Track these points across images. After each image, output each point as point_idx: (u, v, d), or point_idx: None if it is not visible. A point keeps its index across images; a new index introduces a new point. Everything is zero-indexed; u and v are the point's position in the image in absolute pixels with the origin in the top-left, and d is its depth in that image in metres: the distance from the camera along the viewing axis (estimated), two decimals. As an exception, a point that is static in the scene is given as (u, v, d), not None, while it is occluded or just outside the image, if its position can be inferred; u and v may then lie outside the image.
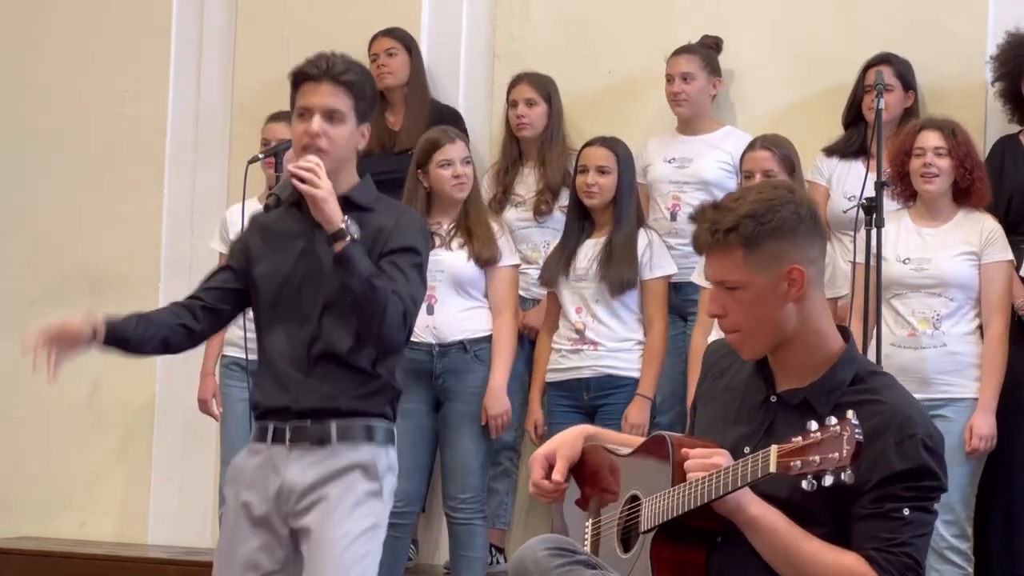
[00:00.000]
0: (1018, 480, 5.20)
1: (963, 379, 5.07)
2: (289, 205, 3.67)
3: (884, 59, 5.57)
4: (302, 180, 3.51)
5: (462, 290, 5.36)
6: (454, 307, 5.34)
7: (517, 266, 5.53)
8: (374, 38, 6.15)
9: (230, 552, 3.69)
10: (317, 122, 3.60)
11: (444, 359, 5.34)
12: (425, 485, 5.47)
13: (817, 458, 2.65)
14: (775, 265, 2.90)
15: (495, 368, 5.35)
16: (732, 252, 2.91)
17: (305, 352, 3.62)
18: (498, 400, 5.34)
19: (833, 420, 2.66)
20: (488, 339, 5.37)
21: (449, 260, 5.30)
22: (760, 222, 2.89)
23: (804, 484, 2.66)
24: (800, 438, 2.68)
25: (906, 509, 2.80)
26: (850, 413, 2.66)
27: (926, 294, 5.10)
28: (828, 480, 2.64)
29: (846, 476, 2.64)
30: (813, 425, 2.68)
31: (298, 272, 3.64)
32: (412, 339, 5.25)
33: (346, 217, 3.52)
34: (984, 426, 5.02)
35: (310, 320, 3.62)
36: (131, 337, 3.76)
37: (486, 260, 5.34)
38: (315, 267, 3.63)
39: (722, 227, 2.90)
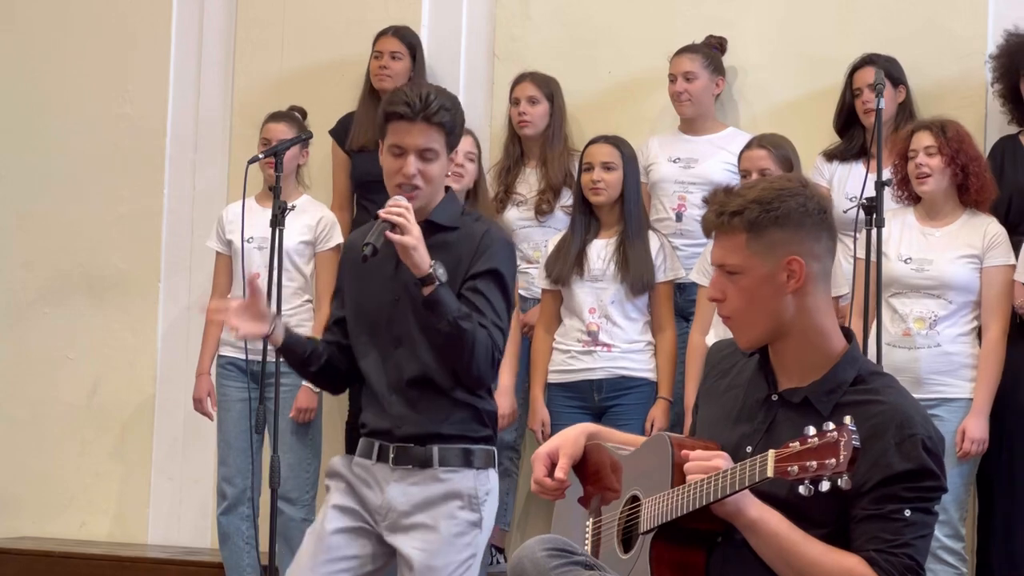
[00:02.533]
0: (1018, 481, 5.19)
1: (957, 379, 5.06)
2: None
3: (869, 60, 5.57)
4: (393, 225, 3.54)
5: None
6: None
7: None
8: (382, 34, 6.12)
9: (322, 526, 3.72)
10: (412, 164, 3.63)
11: None
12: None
13: (814, 463, 2.64)
14: (775, 253, 2.91)
15: (504, 368, 5.34)
16: (735, 235, 2.93)
17: (400, 376, 3.67)
18: (510, 401, 5.39)
19: (831, 425, 2.65)
20: None
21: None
22: (765, 209, 2.91)
23: (801, 489, 2.65)
24: (797, 443, 2.68)
25: (907, 510, 2.80)
26: (847, 419, 2.66)
27: (925, 295, 5.09)
28: (825, 486, 2.64)
29: (843, 482, 2.63)
30: (811, 430, 2.68)
31: (388, 295, 3.68)
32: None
33: (433, 262, 3.55)
34: (976, 429, 5.01)
35: (403, 344, 3.67)
36: (302, 351, 3.78)
37: None
38: (406, 291, 3.66)
39: (728, 209, 2.93)
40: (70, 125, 6.74)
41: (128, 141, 6.69)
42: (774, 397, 2.99)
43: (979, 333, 5.12)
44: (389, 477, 3.68)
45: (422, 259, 3.55)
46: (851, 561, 2.81)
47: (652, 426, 5.31)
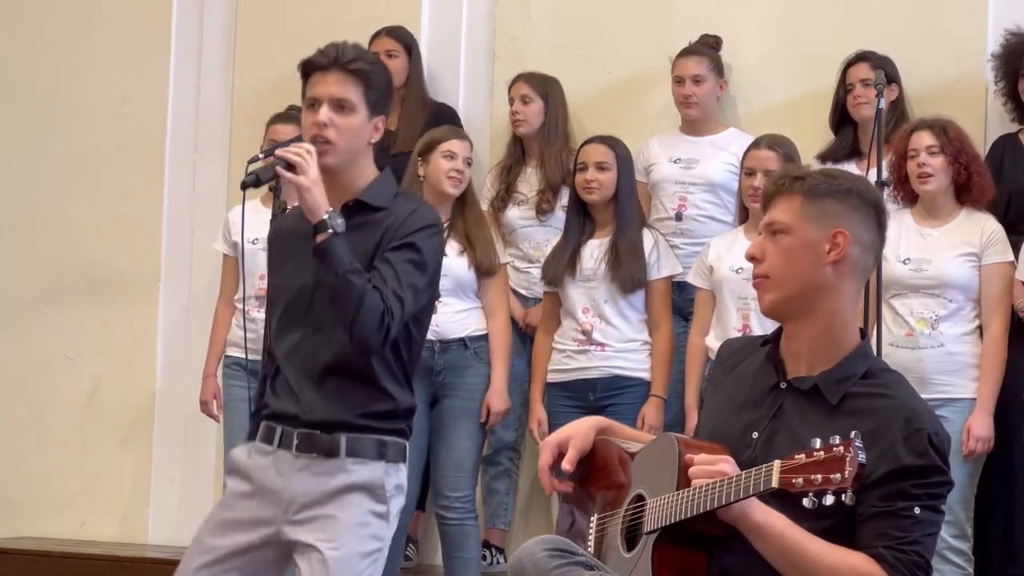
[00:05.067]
0: (1018, 480, 5.19)
1: (961, 379, 5.07)
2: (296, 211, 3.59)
3: (863, 57, 5.57)
4: (290, 165, 3.40)
5: (462, 293, 5.39)
6: (452, 308, 5.35)
7: (506, 264, 5.56)
8: (375, 36, 6.14)
9: (218, 514, 3.60)
10: (324, 112, 3.48)
11: (445, 355, 5.35)
12: (420, 484, 5.46)
13: (819, 477, 2.64)
14: (826, 222, 2.95)
15: (496, 367, 5.37)
16: (792, 197, 2.98)
17: (315, 362, 3.51)
18: (503, 399, 5.37)
19: (837, 440, 2.65)
20: (484, 338, 5.39)
21: (452, 265, 5.31)
22: (828, 180, 2.99)
23: (805, 502, 2.66)
24: (803, 455, 2.67)
25: (916, 507, 2.80)
26: (853, 433, 2.66)
27: (925, 295, 5.10)
28: (829, 500, 2.64)
29: (847, 498, 2.64)
30: (816, 443, 2.67)
31: (310, 279, 3.51)
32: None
33: (331, 210, 3.41)
34: (981, 428, 5.02)
35: (322, 329, 3.50)
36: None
37: (486, 270, 5.37)
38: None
39: (792, 174, 3.02)
40: (70, 125, 6.74)
41: (128, 141, 6.69)
42: (782, 385, 3.00)
43: (982, 332, 5.12)
44: (292, 466, 3.50)
45: (316, 203, 3.39)
46: (857, 559, 2.81)
47: (643, 423, 5.30)
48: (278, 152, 3.43)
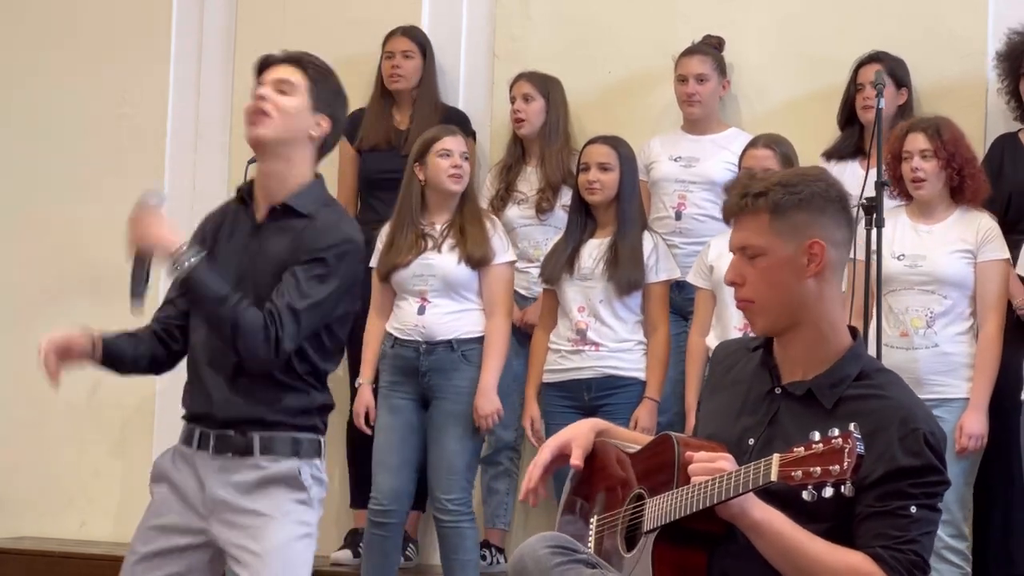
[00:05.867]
0: (1017, 480, 5.19)
1: (956, 379, 5.06)
2: (238, 204, 3.67)
3: (876, 57, 5.57)
4: (138, 258, 3.54)
5: (455, 293, 5.34)
6: (443, 308, 5.32)
7: (513, 263, 5.49)
8: (392, 34, 6.14)
9: (148, 520, 3.63)
10: (266, 88, 3.58)
11: (430, 357, 5.31)
12: (414, 482, 5.43)
13: (818, 469, 2.65)
14: (798, 236, 2.92)
15: (486, 368, 5.32)
16: (758, 216, 2.94)
17: (226, 357, 3.56)
18: (489, 400, 5.31)
19: (836, 432, 2.66)
20: (478, 340, 5.33)
21: (440, 263, 5.29)
22: (789, 191, 2.93)
23: (804, 494, 2.66)
24: (802, 448, 2.68)
25: (913, 507, 2.80)
26: (852, 426, 2.66)
27: (920, 291, 5.09)
28: (828, 492, 2.65)
29: (846, 489, 2.64)
30: (815, 436, 2.68)
31: (233, 273, 3.57)
32: (401, 337, 5.31)
33: (184, 245, 3.49)
34: (975, 425, 5.01)
35: None
36: (126, 357, 3.72)
37: (478, 260, 5.31)
38: (252, 268, 3.58)
39: (752, 191, 2.95)
40: (70, 125, 6.74)
41: (128, 141, 6.69)
42: (777, 390, 3.00)
43: (976, 332, 5.11)
44: (210, 467, 3.57)
45: (164, 249, 3.51)
46: (856, 558, 2.81)
47: (635, 425, 5.29)
48: (129, 256, 3.58)
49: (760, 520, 2.82)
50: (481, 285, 5.36)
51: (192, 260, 3.48)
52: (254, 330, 3.45)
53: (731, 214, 3.00)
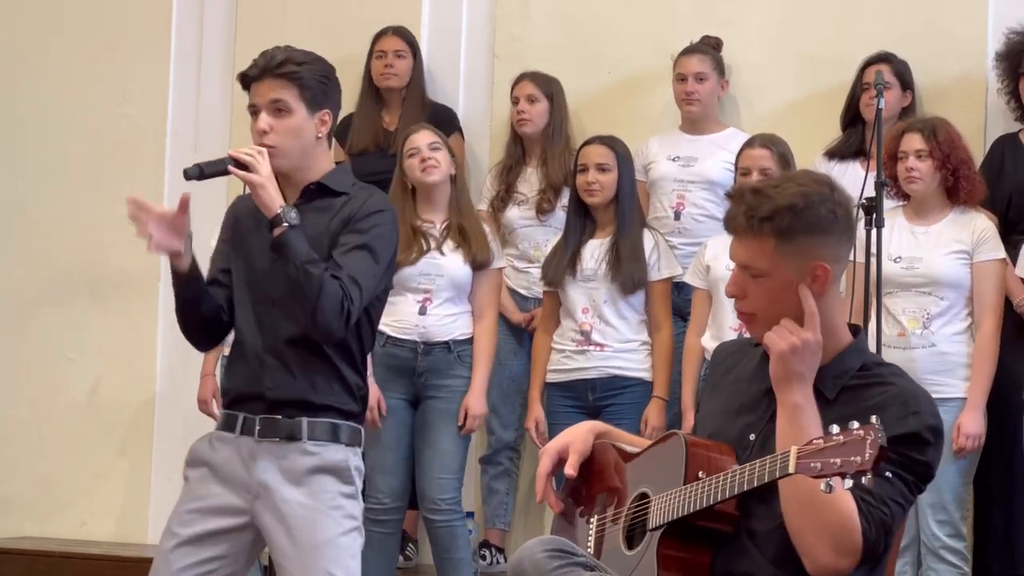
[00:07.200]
0: (1018, 480, 5.19)
1: (953, 379, 5.06)
2: None
3: (883, 58, 5.57)
4: (242, 165, 3.50)
5: (457, 298, 5.35)
6: (443, 311, 5.32)
7: (502, 269, 5.52)
8: (382, 33, 6.15)
9: (186, 504, 3.65)
10: (263, 118, 3.59)
11: (428, 357, 5.31)
12: (411, 480, 5.43)
13: (838, 460, 2.62)
14: (803, 259, 2.91)
15: (477, 370, 5.32)
16: (764, 240, 2.91)
17: (276, 335, 3.59)
18: (481, 402, 5.32)
19: (856, 424, 2.63)
20: (470, 342, 5.35)
21: (447, 264, 5.29)
22: (797, 216, 2.90)
23: (822, 486, 2.63)
24: (821, 440, 2.66)
25: (888, 471, 2.76)
26: (874, 418, 2.64)
27: (916, 293, 5.09)
28: (847, 483, 2.62)
29: (866, 480, 2.61)
30: (835, 428, 2.67)
31: (267, 257, 3.59)
32: (396, 336, 5.30)
33: (284, 205, 3.50)
34: (972, 425, 5.01)
35: (277, 304, 3.58)
36: (204, 292, 3.68)
37: (481, 263, 5.33)
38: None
39: (759, 214, 2.91)
40: (70, 125, 6.74)
41: (128, 141, 6.69)
42: None
43: (973, 332, 5.11)
44: (255, 452, 3.58)
45: (271, 199, 3.49)
46: (853, 505, 2.80)
47: (646, 425, 5.30)
48: (230, 152, 3.55)
49: (800, 404, 2.83)
50: (473, 287, 5.37)
51: (293, 216, 3.50)
52: (335, 297, 3.48)
53: (735, 231, 2.98)
